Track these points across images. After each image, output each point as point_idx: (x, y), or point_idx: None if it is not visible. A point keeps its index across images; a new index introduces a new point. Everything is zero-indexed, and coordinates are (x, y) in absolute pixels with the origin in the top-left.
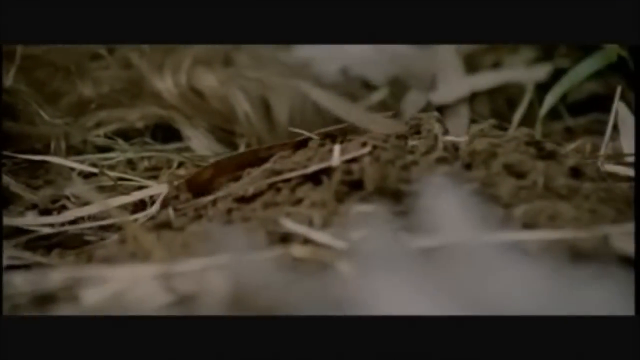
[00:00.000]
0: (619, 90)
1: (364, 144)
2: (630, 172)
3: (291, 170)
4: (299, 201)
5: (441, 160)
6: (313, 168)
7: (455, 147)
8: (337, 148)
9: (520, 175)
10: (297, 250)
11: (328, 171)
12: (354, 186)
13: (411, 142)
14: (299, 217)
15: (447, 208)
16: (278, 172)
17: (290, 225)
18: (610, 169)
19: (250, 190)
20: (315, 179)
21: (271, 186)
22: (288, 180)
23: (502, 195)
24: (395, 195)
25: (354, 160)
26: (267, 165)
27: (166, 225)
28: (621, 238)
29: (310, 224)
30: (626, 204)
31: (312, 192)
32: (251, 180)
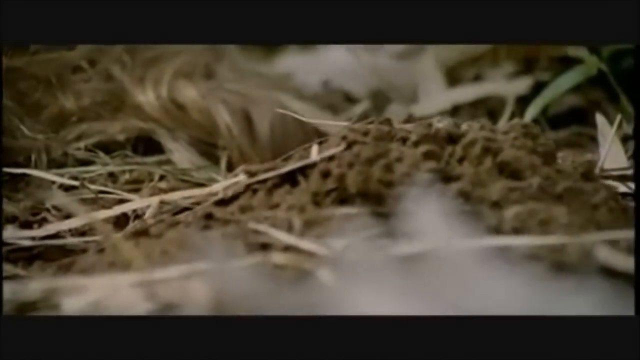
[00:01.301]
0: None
1: (343, 138)
2: (623, 187)
3: (267, 170)
4: (276, 205)
5: (429, 156)
6: (289, 168)
7: (450, 136)
8: (315, 147)
9: (515, 174)
10: (278, 257)
11: (306, 173)
12: (333, 188)
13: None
14: (278, 221)
15: (430, 213)
16: (253, 174)
17: (269, 230)
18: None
19: (229, 193)
20: (292, 180)
21: (248, 188)
22: (264, 182)
23: (492, 196)
24: (377, 198)
25: (333, 159)
26: (242, 166)
27: (144, 233)
28: (604, 249)
29: (289, 228)
30: (622, 213)
31: (290, 195)
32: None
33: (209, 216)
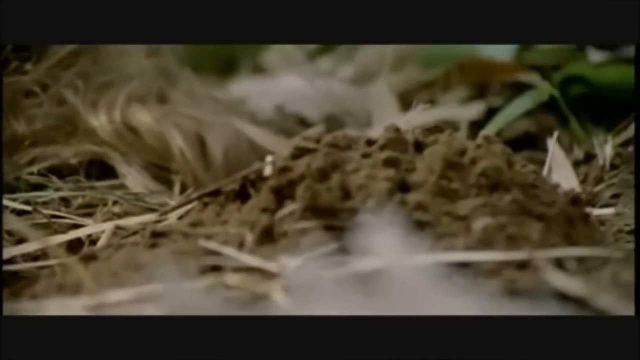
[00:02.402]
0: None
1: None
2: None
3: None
4: (226, 221)
5: (389, 163)
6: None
7: (417, 143)
8: (269, 158)
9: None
10: (230, 278)
11: (257, 186)
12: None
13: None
14: (229, 237)
15: (386, 227)
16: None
17: (219, 248)
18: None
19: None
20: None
21: (196, 202)
22: (216, 195)
23: (460, 210)
24: (331, 212)
25: (286, 170)
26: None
27: (92, 257)
28: (559, 276)
29: (241, 245)
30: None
31: (241, 209)
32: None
33: (157, 234)
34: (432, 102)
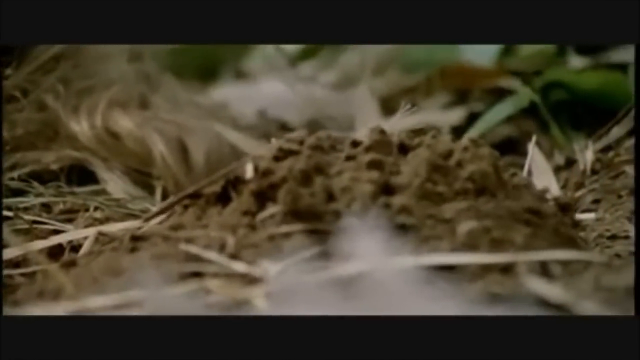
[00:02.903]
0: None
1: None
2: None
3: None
4: (207, 224)
5: (373, 165)
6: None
7: (402, 145)
8: (251, 162)
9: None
10: (211, 283)
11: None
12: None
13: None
14: (210, 240)
15: (370, 231)
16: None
17: (200, 252)
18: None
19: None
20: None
21: (176, 205)
22: (197, 198)
23: (445, 212)
24: (313, 216)
25: (268, 173)
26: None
27: (72, 263)
28: (540, 283)
29: (222, 248)
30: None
31: (222, 212)
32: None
33: (137, 238)
34: (414, 107)
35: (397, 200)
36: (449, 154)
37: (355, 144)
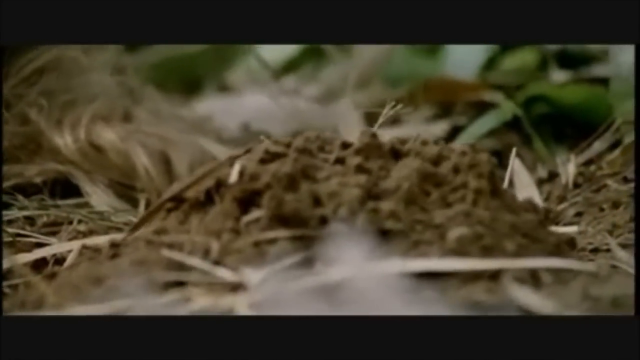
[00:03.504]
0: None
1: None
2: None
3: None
4: (190, 229)
5: (362, 170)
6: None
7: (394, 150)
8: (237, 165)
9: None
10: (195, 291)
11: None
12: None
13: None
14: (193, 245)
15: (355, 241)
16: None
17: (183, 258)
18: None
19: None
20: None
21: (159, 209)
22: (181, 201)
23: (435, 219)
24: (298, 221)
25: (253, 178)
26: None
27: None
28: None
29: (205, 253)
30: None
31: (204, 217)
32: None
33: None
34: (397, 121)
35: (386, 205)
36: (443, 159)
37: (345, 145)
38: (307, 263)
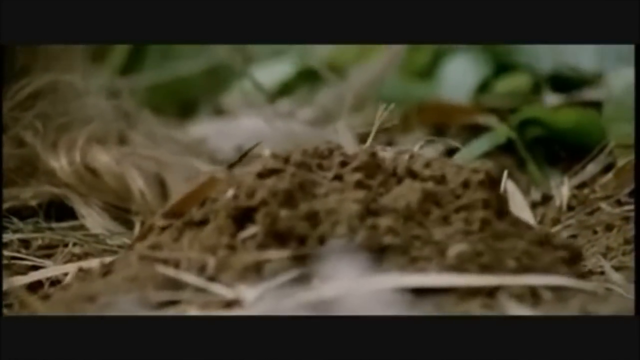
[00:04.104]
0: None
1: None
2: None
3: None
4: (188, 244)
5: (360, 185)
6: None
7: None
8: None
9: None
10: (189, 309)
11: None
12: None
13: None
14: (188, 262)
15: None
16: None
17: (178, 274)
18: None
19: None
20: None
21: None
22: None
23: (435, 235)
24: (295, 238)
25: (249, 194)
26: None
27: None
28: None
29: (202, 269)
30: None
31: (200, 234)
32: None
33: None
34: (391, 143)
35: (384, 222)
36: (448, 176)
37: (344, 163)
38: (304, 279)
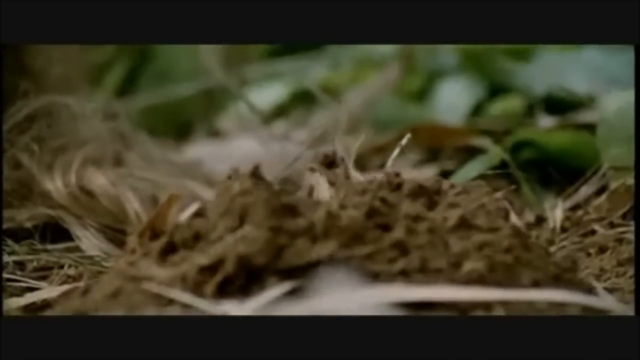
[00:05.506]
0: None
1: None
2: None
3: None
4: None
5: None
6: None
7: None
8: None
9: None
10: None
11: None
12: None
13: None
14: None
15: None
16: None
17: (164, 291)
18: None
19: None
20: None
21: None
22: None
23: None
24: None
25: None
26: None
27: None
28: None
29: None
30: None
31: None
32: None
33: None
34: (384, 166)
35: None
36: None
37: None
38: (295, 294)
